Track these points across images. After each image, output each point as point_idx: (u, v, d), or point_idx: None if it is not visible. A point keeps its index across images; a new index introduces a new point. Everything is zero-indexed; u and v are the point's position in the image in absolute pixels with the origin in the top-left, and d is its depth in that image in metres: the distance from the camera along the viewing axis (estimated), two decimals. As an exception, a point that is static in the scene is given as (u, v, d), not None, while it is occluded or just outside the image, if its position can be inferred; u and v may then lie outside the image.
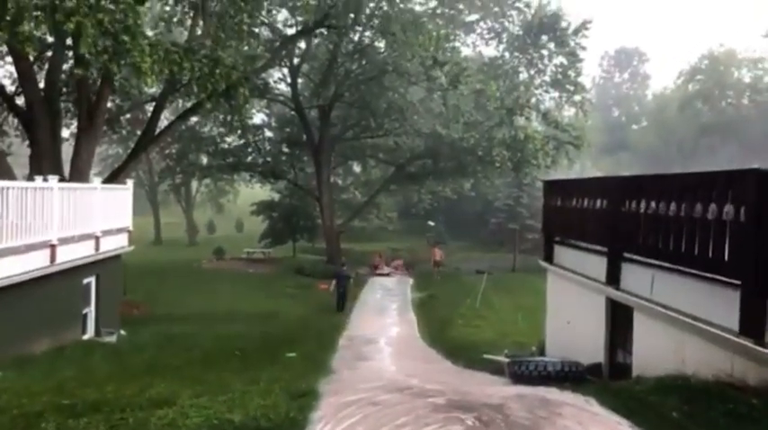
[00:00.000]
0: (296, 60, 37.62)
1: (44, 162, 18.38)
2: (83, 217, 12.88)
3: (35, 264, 10.70)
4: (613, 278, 8.20)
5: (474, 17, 40.02)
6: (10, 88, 22.71)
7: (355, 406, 5.25)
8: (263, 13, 29.15)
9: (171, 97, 25.32)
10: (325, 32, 31.77)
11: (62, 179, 15.62)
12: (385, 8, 26.23)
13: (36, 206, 10.81)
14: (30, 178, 15.16)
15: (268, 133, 43.16)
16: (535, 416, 5.01)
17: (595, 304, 8.80)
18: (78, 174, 19.16)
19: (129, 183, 17.01)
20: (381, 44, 32.72)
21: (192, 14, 22.36)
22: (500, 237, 44.78)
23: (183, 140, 39.63)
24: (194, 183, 57.32)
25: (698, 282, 6.31)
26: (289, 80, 38.81)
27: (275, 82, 39.54)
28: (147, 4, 15.33)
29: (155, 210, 55.34)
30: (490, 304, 24.32)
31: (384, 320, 20.97)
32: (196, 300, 23.49)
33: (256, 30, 27.69)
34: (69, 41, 17.69)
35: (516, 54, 39.51)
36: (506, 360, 10.25)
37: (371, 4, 27.50)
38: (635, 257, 7.76)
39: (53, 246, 11.31)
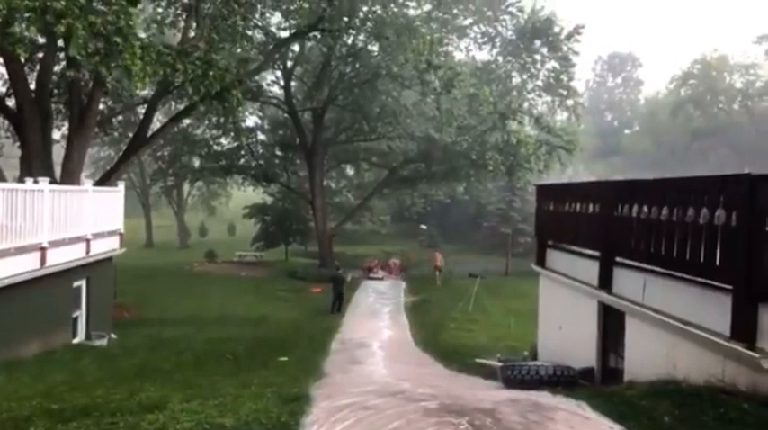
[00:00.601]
0: (289, 63, 37.64)
1: (35, 164, 18.26)
2: (73, 219, 12.79)
3: (25, 266, 10.60)
4: (605, 282, 8.21)
5: (467, 21, 40.13)
6: (0, 89, 22.58)
7: (347, 410, 5.22)
8: (257, 15, 29.11)
9: (163, 99, 25.25)
10: (319, 36, 31.76)
11: (53, 181, 15.53)
12: (379, 12, 26.24)
13: (26, 208, 10.72)
14: (20, 180, 15.05)
15: (261, 136, 43.12)
16: (527, 421, 5.00)
17: (587, 308, 8.81)
18: (69, 176, 19.06)
19: (121, 185, 16.93)
20: (375, 48, 32.77)
21: (184, 17, 22.29)
22: (493, 240, 44.88)
23: (176, 143, 39.52)
24: (186, 186, 57.15)
25: (689, 286, 6.33)
26: (282, 83, 38.83)
27: (268, 85, 39.56)
28: (139, 5, 15.24)
29: (146, 212, 55.13)
30: (483, 308, 24.35)
31: (377, 324, 20.95)
32: (187, 303, 23.39)
33: (250, 32, 27.66)
34: (61, 43, 17.63)
35: (509, 58, 39.65)
36: (499, 364, 10.26)
37: (365, 8, 27.53)
38: (627, 262, 7.77)
39: (43, 249, 11.22)
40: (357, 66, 35.19)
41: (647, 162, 63.53)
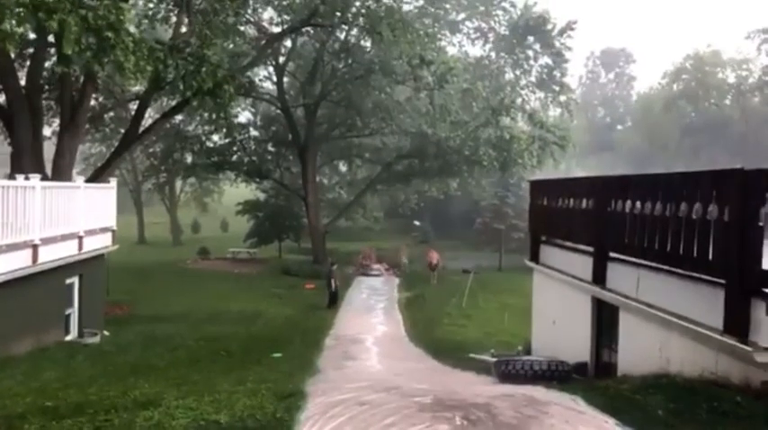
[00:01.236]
0: (282, 59, 37.49)
1: (25, 160, 18.11)
2: (65, 216, 12.71)
3: (17, 264, 10.54)
4: (599, 277, 8.23)
5: (460, 17, 40.14)
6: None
7: (342, 406, 5.23)
8: (249, 11, 29.01)
9: (155, 95, 25.10)
10: (312, 31, 31.67)
11: (44, 178, 15.42)
12: (372, 7, 26.18)
13: (18, 205, 10.65)
14: (11, 177, 14.94)
15: (253, 132, 42.94)
16: (522, 415, 5.01)
17: (581, 303, 8.84)
18: (61, 172, 18.92)
19: (113, 181, 16.84)
20: (368, 43, 32.70)
21: (176, 12, 22.17)
22: (486, 236, 44.91)
23: (168, 139, 39.30)
24: (179, 183, 56.88)
25: (683, 281, 6.36)
26: (275, 79, 38.68)
27: (261, 80, 39.38)
28: (130, 0, 15.16)
29: (138, 209, 54.84)
30: (476, 304, 24.39)
31: (370, 320, 20.95)
32: (181, 300, 23.31)
33: (242, 28, 27.57)
34: (51, 38, 17.49)
35: (502, 54, 39.71)
36: (492, 359, 10.29)
37: (357, 3, 27.47)
38: (621, 257, 7.80)
39: (35, 246, 11.14)
40: (350, 61, 35.10)
41: (639, 158, 63.79)
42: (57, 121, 23.21)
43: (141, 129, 24.38)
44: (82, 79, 20.13)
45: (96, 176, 21.39)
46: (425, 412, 5.06)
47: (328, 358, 12.80)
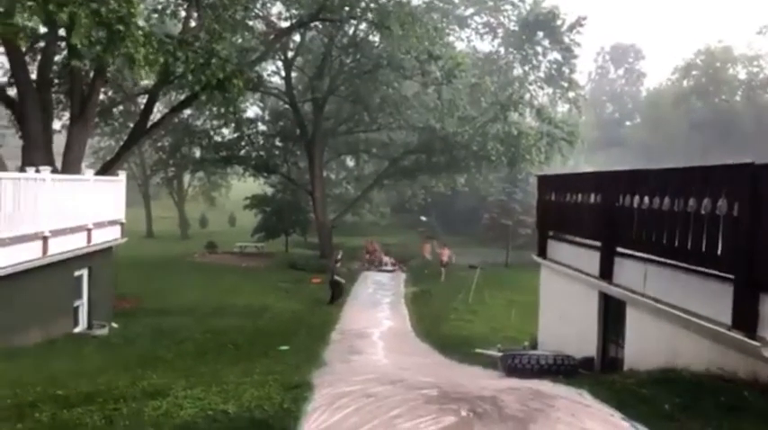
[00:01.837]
0: (290, 53, 37.51)
1: (36, 153, 18.23)
2: (75, 209, 12.81)
3: (27, 255, 10.64)
4: (606, 272, 8.23)
5: (469, 11, 40.03)
6: (1, 79, 22.53)
7: (349, 397, 5.25)
8: (258, 5, 29.02)
9: (164, 89, 25.19)
10: (320, 25, 31.63)
11: (54, 171, 15.52)
12: (381, 1, 26.13)
13: (28, 197, 10.74)
14: (22, 170, 15.05)
15: (261, 127, 43.03)
16: (528, 408, 5.02)
17: (588, 298, 8.84)
18: (70, 166, 19.04)
19: (122, 174, 16.93)
20: (376, 38, 32.66)
21: (185, 6, 22.22)
22: (493, 232, 44.83)
23: (176, 133, 39.44)
24: (187, 177, 57.06)
25: (691, 276, 6.34)
26: (283, 73, 38.72)
27: (269, 75, 39.42)
28: (140, -6, 15.20)
29: (146, 203, 55.07)
30: (483, 299, 24.38)
31: (376, 315, 20.98)
32: (188, 293, 23.42)
33: (250, 22, 27.59)
34: (62, 32, 17.58)
35: (511, 50, 39.59)
36: (499, 354, 10.30)
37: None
38: (628, 252, 7.79)
39: (45, 238, 11.25)
40: (358, 56, 35.09)
41: (648, 154, 63.39)
42: (66, 115, 23.35)
43: (150, 123, 24.51)
44: (92, 73, 20.23)
45: (105, 170, 21.51)
46: (432, 404, 5.08)
47: (334, 352, 12.85)
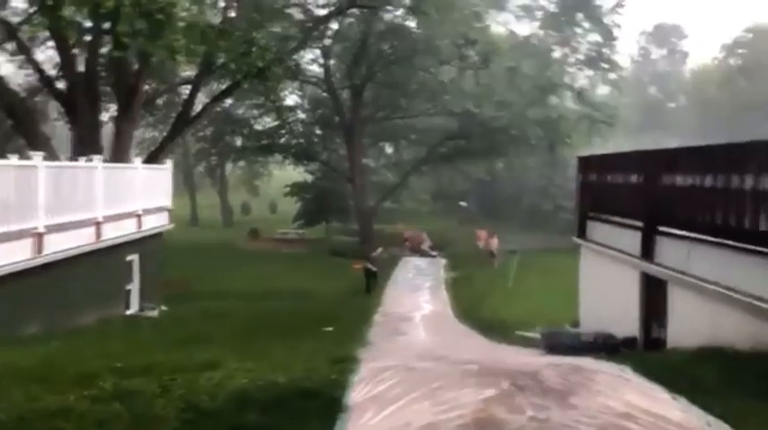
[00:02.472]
0: (328, 41, 37.72)
1: (85, 145, 18.90)
2: (125, 196, 13.30)
3: (82, 240, 11.13)
4: (648, 252, 8.18)
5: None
6: (51, 73, 23.30)
7: (392, 370, 5.42)
8: (296, -6, 29.28)
9: (205, 79, 25.69)
10: (358, 12, 31.70)
11: (104, 161, 16.08)
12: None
13: (82, 185, 11.21)
14: (72, 160, 15.65)
15: (301, 115, 43.48)
16: (569, 382, 5.09)
17: (629, 278, 8.81)
18: (118, 156, 19.64)
19: (169, 163, 17.41)
20: (413, 23, 32.58)
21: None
22: (533, 217, 44.42)
23: (218, 122, 40.18)
24: (229, 166, 58.08)
25: (735, 253, 6.29)
26: (321, 61, 38.98)
27: (307, 63, 39.74)
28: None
29: (191, 191, 56.26)
30: (523, 284, 24.29)
31: (417, 299, 21.18)
32: (233, 278, 24.01)
33: (288, 11, 27.86)
34: (107, 25, 18.12)
35: (550, 32, 38.99)
36: (539, 336, 10.34)
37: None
38: (670, 231, 7.73)
39: (98, 224, 11.73)
40: (395, 42, 35.09)
41: (693, 135, 61.57)
42: (113, 107, 24.06)
43: (192, 113, 25.05)
44: (136, 65, 20.77)
45: (151, 159, 22.10)
46: (473, 377, 5.20)
47: (378, 333, 13.07)
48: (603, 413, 4.23)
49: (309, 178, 48.32)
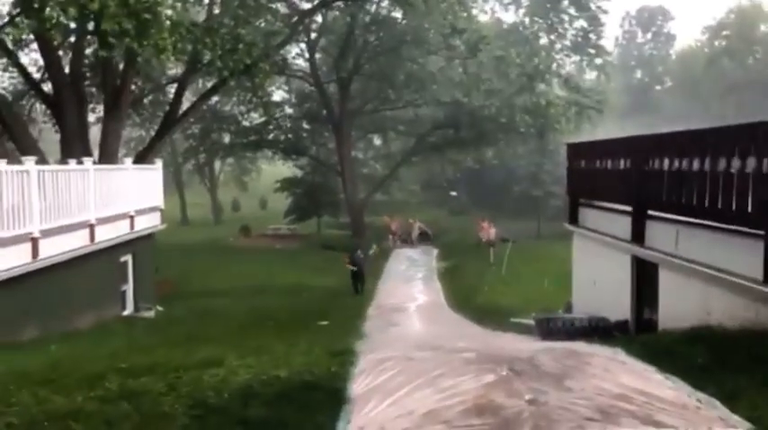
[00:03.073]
0: (313, 35, 37.62)
1: (73, 146, 18.83)
2: (117, 197, 13.31)
3: (77, 243, 11.15)
4: (638, 236, 8.32)
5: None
6: (36, 75, 23.16)
7: (392, 361, 5.53)
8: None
9: (192, 77, 25.60)
10: (342, 5, 31.62)
11: (93, 162, 16.05)
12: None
13: (74, 188, 11.22)
14: (62, 163, 15.61)
15: (288, 110, 43.38)
16: (564, 366, 5.22)
17: (621, 263, 8.96)
18: (107, 156, 19.60)
19: (159, 162, 17.39)
20: (399, 14, 32.56)
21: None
22: (523, 204, 44.65)
23: (206, 120, 40.04)
24: (217, 163, 57.88)
25: (722, 234, 6.44)
26: (307, 55, 38.89)
27: (293, 58, 39.65)
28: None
29: (180, 190, 56.05)
30: (515, 271, 24.50)
31: (410, 290, 21.33)
32: (226, 275, 24.04)
33: (273, 6, 27.74)
34: (91, 26, 18.02)
35: (536, 19, 39.07)
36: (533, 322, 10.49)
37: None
38: (659, 214, 7.88)
39: (92, 226, 11.75)
40: (381, 34, 35.06)
41: (680, 118, 61.92)
42: (100, 108, 23.94)
43: (180, 111, 24.97)
44: (122, 65, 20.67)
45: (140, 159, 22.05)
46: (471, 365, 5.32)
47: (373, 325, 13.21)
48: (599, 394, 4.37)
49: (299, 173, 48.29)
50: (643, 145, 8.45)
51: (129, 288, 14.38)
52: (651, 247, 8.01)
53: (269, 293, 19.64)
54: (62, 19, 13.54)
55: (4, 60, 23.46)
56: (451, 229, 40.48)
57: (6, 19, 18.24)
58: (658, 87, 78.35)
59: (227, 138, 43.59)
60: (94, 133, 22.93)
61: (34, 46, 21.74)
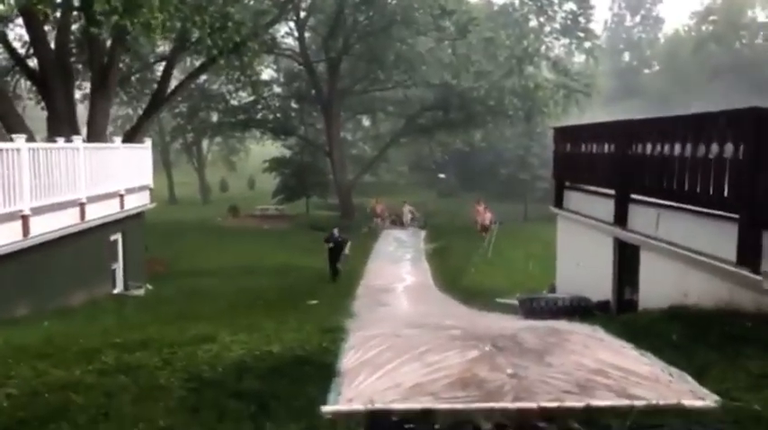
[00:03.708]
0: (302, 14, 37.34)
1: (61, 124, 18.73)
2: (107, 175, 13.35)
3: (67, 221, 11.22)
4: (621, 219, 8.54)
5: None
6: (21, 51, 22.88)
7: (381, 337, 5.72)
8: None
9: (181, 55, 25.43)
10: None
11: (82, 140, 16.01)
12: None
13: (64, 166, 11.25)
14: (50, 140, 15.56)
15: (277, 89, 43.14)
16: (545, 343, 5.44)
17: (604, 245, 9.19)
18: (95, 134, 19.54)
19: (148, 141, 17.38)
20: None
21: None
22: (511, 187, 44.97)
23: (194, 98, 39.75)
24: (205, 143, 57.56)
25: (700, 218, 6.67)
26: (296, 34, 38.64)
27: (282, 36, 39.36)
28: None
29: (167, 169, 55.75)
30: (501, 253, 24.80)
31: (399, 270, 21.56)
32: (215, 255, 24.14)
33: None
34: (77, 2, 17.86)
35: (526, 1, 38.97)
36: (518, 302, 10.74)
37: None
38: (641, 198, 8.10)
39: (82, 205, 11.81)
40: (371, 13, 34.86)
41: (667, 102, 62.37)
42: (87, 85, 23.74)
43: (168, 89, 24.84)
44: (110, 42, 20.49)
45: (129, 138, 21.97)
46: (456, 341, 5.53)
47: (362, 305, 13.42)
48: (577, 369, 4.59)
49: (287, 153, 48.18)
50: (627, 129, 8.64)
51: (119, 266, 14.48)
52: (633, 230, 8.24)
53: (258, 273, 19.78)
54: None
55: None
56: (440, 212, 40.71)
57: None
58: (646, 71, 78.63)
59: (215, 117, 43.35)
60: (81, 111, 22.78)
61: (19, 21, 21.48)
